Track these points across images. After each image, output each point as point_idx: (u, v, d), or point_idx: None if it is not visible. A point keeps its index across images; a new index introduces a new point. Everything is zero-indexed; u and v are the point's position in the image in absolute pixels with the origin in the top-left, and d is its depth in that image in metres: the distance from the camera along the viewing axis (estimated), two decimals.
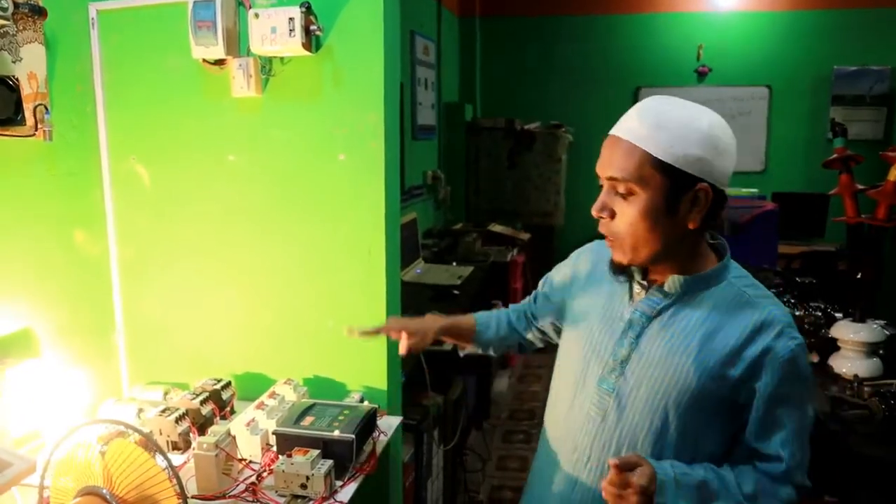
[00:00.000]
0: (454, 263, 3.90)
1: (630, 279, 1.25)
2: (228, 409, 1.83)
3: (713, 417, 1.18)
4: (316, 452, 1.47)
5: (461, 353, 1.66)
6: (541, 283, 1.56)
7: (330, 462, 1.47)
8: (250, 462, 1.59)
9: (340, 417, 1.59)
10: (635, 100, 5.50)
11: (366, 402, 1.67)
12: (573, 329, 1.35)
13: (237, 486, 1.47)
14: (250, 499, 1.45)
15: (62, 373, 1.77)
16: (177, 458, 1.61)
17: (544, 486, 1.35)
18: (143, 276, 1.96)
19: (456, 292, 3.34)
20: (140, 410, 1.78)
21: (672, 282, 1.19)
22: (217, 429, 1.50)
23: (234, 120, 1.84)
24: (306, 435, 1.52)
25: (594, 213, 1.18)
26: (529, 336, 1.59)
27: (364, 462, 1.57)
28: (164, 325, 1.98)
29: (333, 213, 1.82)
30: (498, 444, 3.87)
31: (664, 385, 1.17)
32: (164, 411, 1.65)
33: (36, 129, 1.62)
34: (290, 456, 1.45)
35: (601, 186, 1.19)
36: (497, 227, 4.60)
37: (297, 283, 1.88)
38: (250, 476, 1.50)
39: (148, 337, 2.00)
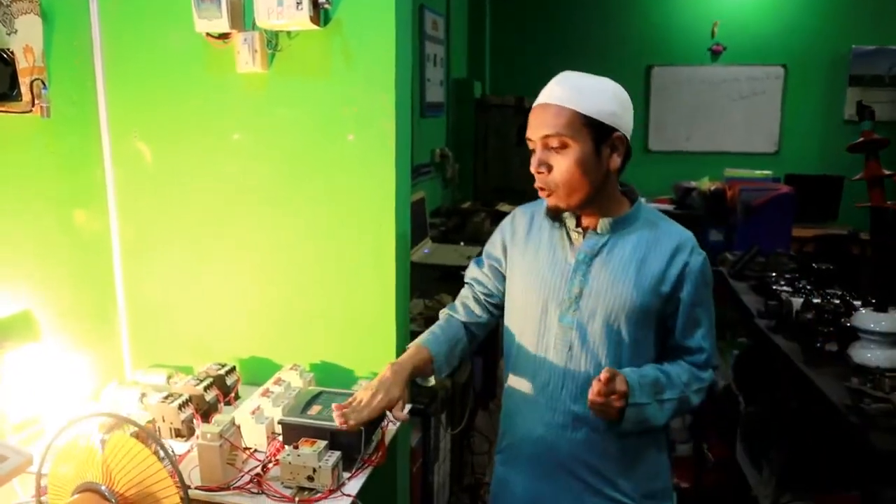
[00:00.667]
0: (462, 243, 3.82)
1: (563, 225, 1.45)
2: (233, 394, 1.78)
3: (650, 329, 1.43)
4: (323, 444, 1.41)
5: (426, 384, 1.72)
6: (476, 267, 1.64)
7: (338, 454, 1.42)
8: (255, 451, 1.54)
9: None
10: (647, 79, 5.43)
11: None
12: (525, 280, 1.49)
13: (242, 477, 1.42)
14: (255, 490, 1.40)
15: (63, 356, 1.72)
16: (180, 446, 1.56)
17: (525, 420, 1.50)
18: (145, 256, 1.90)
19: (463, 273, 3.26)
20: (143, 395, 1.73)
21: (603, 224, 1.42)
22: (221, 418, 1.44)
23: (239, 97, 1.76)
24: (313, 425, 1.47)
25: (533, 169, 1.39)
26: (484, 318, 1.61)
27: (373, 453, 1.52)
28: (168, 308, 1.92)
29: (341, 195, 1.75)
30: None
31: (614, 308, 1.40)
32: (166, 398, 1.60)
33: (33, 105, 1.55)
34: (296, 447, 1.40)
35: (533, 151, 1.40)
36: (505, 207, 4.51)
37: (304, 266, 1.81)
38: (255, 467, 1.45)
39: (151, 319, 1.94)
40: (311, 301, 1.83)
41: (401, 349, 1.83)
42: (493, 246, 1.60)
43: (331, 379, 1.84)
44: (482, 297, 1.61)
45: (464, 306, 1.63)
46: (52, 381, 1.66)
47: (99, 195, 1.84)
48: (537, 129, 1.37)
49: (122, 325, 1.93)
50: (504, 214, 4.43)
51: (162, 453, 1.13)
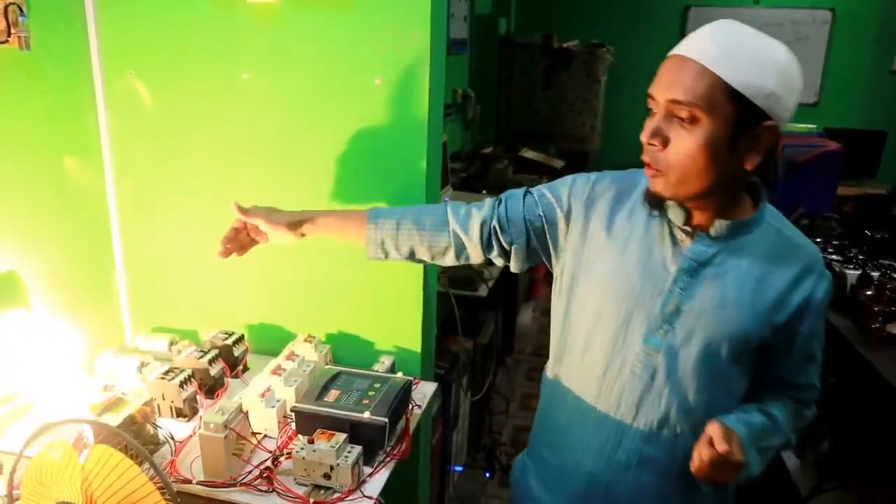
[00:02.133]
0: (484, 192, 3.59)
1: (665, 219, 1.11)
2: (241, 367, 1.59)
3: (748, 359, 1.15)
4: (342, 437, 1.23)
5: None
6: (524, 196, 1.25)
7: (358, 450, 1.23)
8: (266, 437, 1.37)
9: (371, 392, 1.34)
10: (683, 21, 5.06)
11: (399, 374, 1.42)
12: (605, 279, 1.15)
13: (250, 471, 1.24)
14: (265, 488, 1.22)
15: (53, 322, 1.53)
16: (182, 428, 1.38)
17: (577, 445, 1.22)
18: (145, 211, 1.68)
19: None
20: (142, 364, 1.54)
21: (718, 227, 1.08)
22: (226, 404, 1.26)
23: (249, 31, 1.50)
24: (330, 415, 1.28)
25: (645, 138, 1.03)
26: (470, 246, 1.26)
27: (396, 444, 1.34)
28: (170, 268, 1.71)
29: (366, 147, 1.51)
30: (521, 382, 3.68)
31: (718, 335, 1.09)
32: (167, 373, 1.42)
33: (9, 35, 1.31)
34: (311, 441, 1.21)
35: (649, 111, 1.04)
36: (529, 153, 4.25)
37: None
38: (265, 460, 1.27)
39: (151, 280, 1.74)
40: (328, 264, 1.61)
41: (427, 322, 1.64)
42: (554, 198, 1.22)
43: (349, 352, 1.65)
44: (496, 222, 1.23)
45: (461, 212, 1.27)
46: (41, 350, 1.48)
47: (92, 142, 1.61)
48: (666, 89, 1.00)
49: (121, 286, 1.74)
50: (527, 161, 4.22)
51: (153, 472, 0.94)
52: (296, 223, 1.32)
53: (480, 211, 1.26)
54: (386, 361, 1.54)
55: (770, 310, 1.09)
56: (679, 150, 1.00)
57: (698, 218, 1.09)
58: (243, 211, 1.34)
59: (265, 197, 1.59)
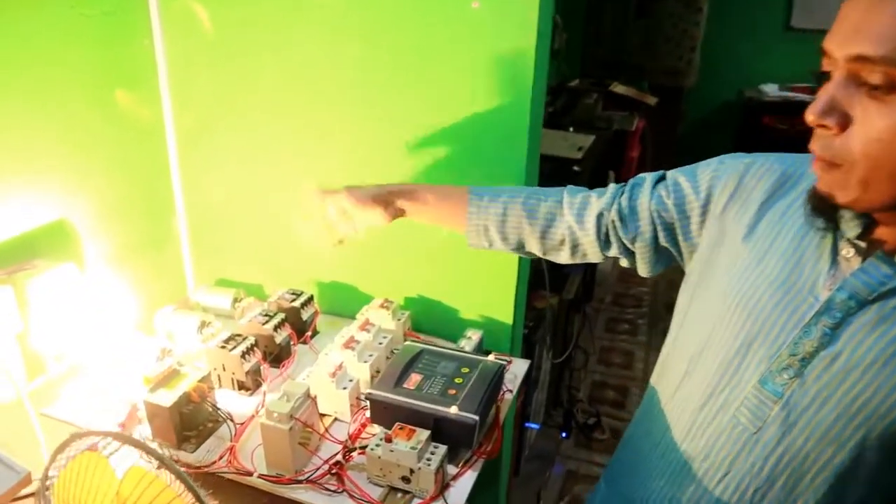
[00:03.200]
0: (571, 129, 3.26)
1: (831, 227, 0.76)
2: (309, 332, 1.41)
3: None
4: (424, 435, 1.03)
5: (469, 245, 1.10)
6: (654, 183, 0.96)
7: (442, 451, 1.03)
8: (336, 420, 1.18)
9: (457, 380, 1.13)
10: None
11: (491, 356, 1.20)
12: (727, 290, 0.85)
13: (318, 467, 1.06)
14: (335, 487, 1.04)
15: (108, 275, 1.37)
16: (244, 403, 1.22)
17: (648, 485, 0.94)
18: (206, 151, 1.48)
19: (576, 168, 2.75)
20: (203, 324, 1.38)
21: None
22: (291, 388, 1.07)
23: None
24: (412, 407, 1.08)
25: (813, 116, 0.67)
26: (586, 242, 1.01)
27: (485, 440, 1.14)
28: (235, 216, 1.52)
29: (459, 83, 1.25)
30: (600, 334, 3.45)
31: (869, 408, 0.73)
32: (228, 341, 1.24)
33: None
34: (389, 440, 1.02)
35: (818, 76, 0.69)
36: (619, 88, 3.86)
37: (403, 171, 1.35)
38: (335, 453, 1.09)
39: (214, 227, 1.56)
40: (410, 220, 1.39)
41: (522, 283, 1.40)
42: (690, 185, 0.93)
43: (430, 321, 1.44)
44: (613, 222, 0.98)
45: (576, 201, 1.01)
46: (94, 307, 1.32)
47: (147, 73, 1.40)
48: (849, 40, 0.65)
49: (182, 233, 1.56)
50: (617, 97, 3.84)
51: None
52: (387, 197, 1.07)
53: (600, 199, 1.00)
54: (473, 337, 1.32)
55: None
56: (868, 133, 0.65)
57: (882, 233, 0.74)
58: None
59: (340, 136, 1.36)
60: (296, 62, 1.34)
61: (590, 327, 3.30)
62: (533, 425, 2.49)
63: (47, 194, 1.24)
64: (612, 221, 0.98)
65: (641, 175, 0.99)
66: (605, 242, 1.00)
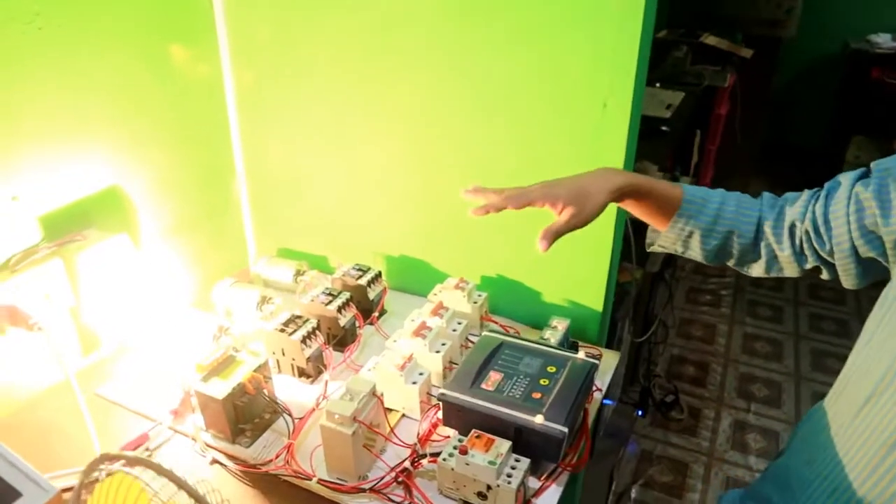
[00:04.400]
0: (658, 85, 2.99)
1: None
2: (376, 312, 1.28)
3: None
4: (505, 446, 0.88)
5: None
6: (854, 181, 0.77)
7: (525, 466, 0.88)
8: (404, 417, 1.05)
9: (543, 381, 0.98)
10: None
11: (581, 353, 1.03)
12: None
13: (382, 477, 0.93)
14: (400, 498, 0.91)
15: (162, 245, 1.27)
16: (303, 392, 1.10)
17: (799, 484, 0.81)
18: (268, 111, 1.34)
19: (665, 128, 2.50)
20: (263, 300, 1.26)
21: None
22: (356, 385, 0.94)
23: None
24: (491, 413, 0.93)
25: None
26: (782, 258, 0.86)
27: (570, 449, 0.98)
28: (298, 179, 1.39)
29: (549, 33, 1.06)
30: (680, 304, 3.22)
31: None
32: (287, 324, 1.12)
33: None
34: (464, 450, 0.88)
35: None
36: (711, 40, 3.52)
37: (486, 135, 1.18)
38: (402, 460, 0.95)
39: (276, 193, 1.43)
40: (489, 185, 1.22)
41: (615, 262, 1.23)
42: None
43: (509, 304, 1.28)
44: (807, 233, 0.82)
45: (780, 216, 0.86)
46: (148, 279, 1.23)
47: (204, 24, 1.27)
48: None
49: (243, 199, 1.44)
50: (708, 49, 3.51)
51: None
52: (619, 195, 0.88)
53: (793, 207, 0.84)
54: (559, 326, 1.15)
55: None
56: None
57: None
58: (527, 200, 0.89)
59: (414, 90, 1.19)
60: (366, 15, 1.17)
61: (669, 294, 3.08)
62: (609, 402, 2.33)
63: (99, 159, 1.13)
64: (806, 231, 0.82)
65: (842, 175, 0.80)
66: (799, 255, 0.85)
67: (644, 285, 2.15)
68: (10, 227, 1.03)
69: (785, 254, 0.85)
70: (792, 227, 0.83)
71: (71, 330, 1.12)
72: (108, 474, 0.67)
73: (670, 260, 3.23)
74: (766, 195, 0.89)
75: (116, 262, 1.14)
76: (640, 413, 2.50)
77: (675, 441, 2.44)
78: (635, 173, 0.90)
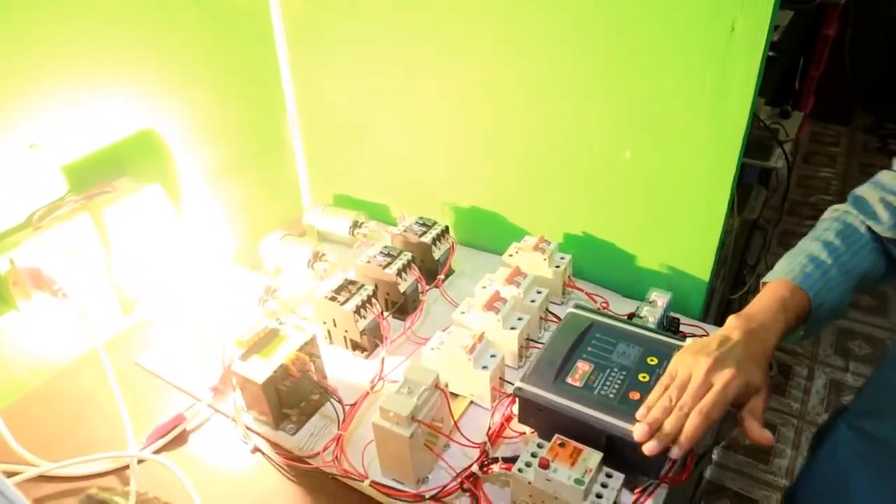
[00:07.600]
0: None
1: None
2: (442, 274, 1.10)
3: None
4: (595, 460, 0.70)
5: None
6: None
7: (618, 484, 0.70)
8: (472, 404, 0.88)
9: (642, 376, 0.78)
10: None
11: (688, 342, 0.83)
12: None
13: (446, 484, 0.77)
14: None
15: (202, 195, 1.12)
16: (358, 367, 0.95)
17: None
18: (323, 41, 1.14)
19: (772, 54, 2.16)
20: (316, 256, 1.10)
21: None
22: (415, 375, 0.76)
23: None
24: (578, 416, 0.75)
25: None
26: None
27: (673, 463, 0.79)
28: (356, 120, 1.20)
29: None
30: (774, 250, 2.90)
31: None
32: (340, 290, 0.95)
33: None
34: (545, 464, 0.70)
35: None
36: None
37: (576, 68, 0.94)
38: (469, 465, 0.78)
39: (332, 135, 1.24)
40: (577, 135, 0.99)
41: (726, 226, 1.00)
42: None
43: (597, 269, 1.08)
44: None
45: (886, 205, 0.78)
46: (188, 233, 1.08)
47: None
48: None
49: (295, 138, 1.26)
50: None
51: None
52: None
53: (879, 224, 0.79)
54: (659, 301, 0.94)
55: None
56: None
57: None
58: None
59: (489, 24, 0.98)
60: None
61: (766, 247, 2.78)
62: None
63: (131, 99, 0.97)
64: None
65: None
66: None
67: (741, 234, 1.89)
68: (31, 179, 0.89)
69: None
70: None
71: (108, 291, 1.00)
72: None
73: (765, 203, 2.91)
74: (856, 195, 0.81)
75: (151, 216, 0.99)
76: None
77: None
78: (778, 312, 0.75)
